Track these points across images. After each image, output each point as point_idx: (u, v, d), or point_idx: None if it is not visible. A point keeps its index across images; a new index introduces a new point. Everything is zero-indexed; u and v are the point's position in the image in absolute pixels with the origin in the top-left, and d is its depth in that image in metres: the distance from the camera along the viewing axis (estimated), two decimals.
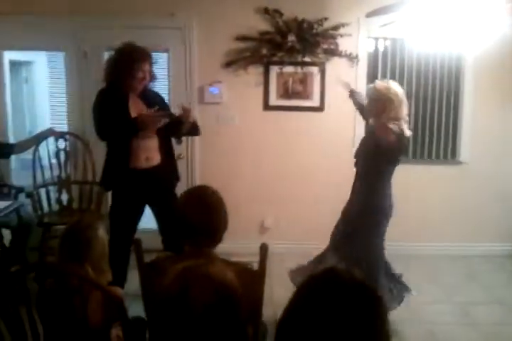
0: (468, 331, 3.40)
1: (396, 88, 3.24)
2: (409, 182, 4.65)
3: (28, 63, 6.35)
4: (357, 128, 4.51)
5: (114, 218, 3.48)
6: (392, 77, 4.61)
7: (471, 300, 3.87)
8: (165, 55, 4.57)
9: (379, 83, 3.31)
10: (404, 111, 3.21)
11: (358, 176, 3.38)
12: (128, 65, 3.29)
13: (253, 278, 2.06)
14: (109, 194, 4.53)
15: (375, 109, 3.26)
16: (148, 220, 4.61)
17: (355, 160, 3.42)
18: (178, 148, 4.58)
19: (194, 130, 3.57)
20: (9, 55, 4.83)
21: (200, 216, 2.03)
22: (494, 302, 3.85)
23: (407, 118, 3.29)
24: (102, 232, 2.35)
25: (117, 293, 2.22)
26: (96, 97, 3.41)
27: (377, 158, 3.20)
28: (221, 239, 2.08)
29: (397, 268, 4.36)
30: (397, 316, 3.21)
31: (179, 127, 3.41)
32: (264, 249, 2.12)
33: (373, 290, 1.21)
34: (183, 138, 3.72)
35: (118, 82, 3.34)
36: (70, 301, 2.02)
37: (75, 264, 2.18)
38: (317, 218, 4.43)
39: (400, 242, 4.64)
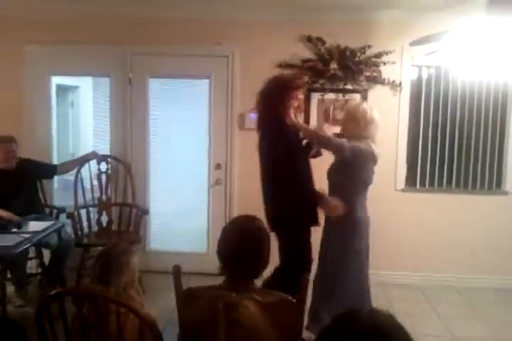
0: None
1: (365, 109, 3.26)
2: (452, 211, 4.58)
3: (74, 88, 6.53)
4: (399, 153, 4.52)
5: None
6: (436, 106, 4.58)
7: None
8: (206, 81, 4.63)
9: (351, 103, 3.52)
10: (372, 130, 3.23)
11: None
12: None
13: (290, 310, 2.00)
14: (150, 217, 4.60)
15: (342, 126, 3.37)
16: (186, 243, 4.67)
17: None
18: (217, 173, 4.63)
19: None
20: (56, 80, 4.98)
21: (242, 246, 1.97)
22: None
23: (376, 138, 3.28)
24: (135, 259, 2.36)
25: (151, 317, 2.20)
26: None
27: (340, 172, 3.28)
28: (262, 272, 2.01)
29: (438, 299, 4.29)
30: None
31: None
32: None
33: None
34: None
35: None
36: (105, 326, 2.01)
37: (102, 287, 2.19)
38: None
39: (437, 273, 4.57)
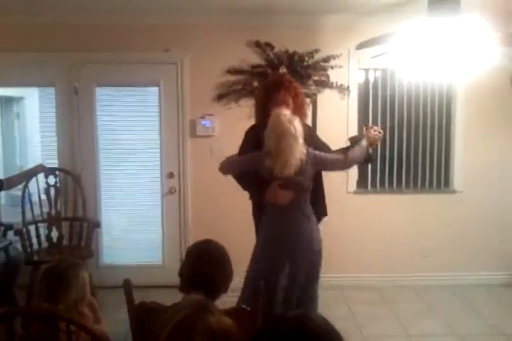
0: None
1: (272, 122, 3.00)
2: (403, 211, 4.65)
3: (19, 99, 6.34)
4: None
5: None
6: (383, 108, 4.65)
7: (471, 331, 3.77)
8: (156, 89, 4.56)
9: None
10: (269, 144, 2.94)
11: None
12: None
13: (248, 319, 1.99)
14: (102, 230, 4.48)
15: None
16: (140, 255, 4.56)
17: None
18: (170, 182, 4.55)
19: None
20: (0, 91, 4.81)
21: (203, 270, 1.99)
22: (495, 333, 3.75)
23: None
24: (85, 274, 2.30)
25: (104, 334, 2.14)
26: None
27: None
28: (225, 291, 2.03)
29: (394, 299, 4.34)
30: None
31: None
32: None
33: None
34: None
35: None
36: None
37: (50, 305, 2.13)
38: None
39: (393, 274, 4.61)
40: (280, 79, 3.31)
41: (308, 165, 2.98)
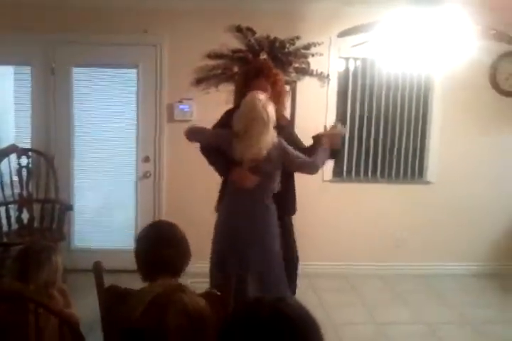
0: None
1: (245, 104, 2.98)
2: (376, 201, 4.70)
3: None
4: None
5: None
6: (362, 97, 4.66)
7: (439, 320, 3.83)
8: (134, 71, 4.48)
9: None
10: (238, 126, 2.94)
11: None
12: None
13: (220, 302, 1.98)
14: (74, 213, 4.43)
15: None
16: (113, 239, 4.52)
17: None
18: (146, 166, 4.51)
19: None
20: None
21: (159, 252, 1.93)
22: (462, 322, 3.82)
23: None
24: (57, 257, 2.31)
25: (73, 317, 2.12)
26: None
27: None
28: (182, 271, 1.99)
29: (363, 288, 4.39)
30: (366, 336, 3.15)
31: None
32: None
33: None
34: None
35: None
36: (23, 326, 1.91)
37: (20, 284, 2.14)
38: None
39: (365, 262, 4.66)
40: (261, 65, 3.29)
41: (274, 155, 2.93)
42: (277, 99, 3.13)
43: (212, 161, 3.19)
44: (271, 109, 2.89)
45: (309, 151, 3.09)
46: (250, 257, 3.02)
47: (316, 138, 3.17)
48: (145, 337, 1.39)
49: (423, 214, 4.72)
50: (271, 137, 2.90)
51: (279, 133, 2.98)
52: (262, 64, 3.38)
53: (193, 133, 3.14)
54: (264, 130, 2.86)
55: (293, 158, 2.99)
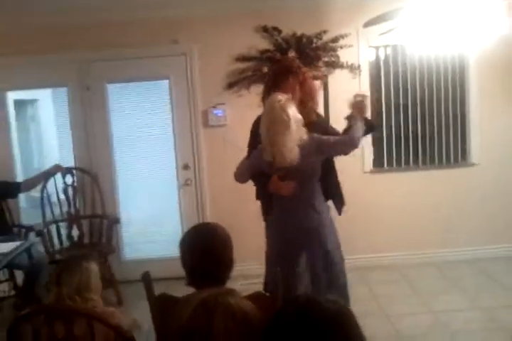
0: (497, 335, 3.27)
1: (265, 109, 2.91)
2: (419, 188, 4.60)
3: (33, 101, 6.39)
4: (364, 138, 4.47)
5: None
6: (396, 85, 4.57)
7: (496, 304, 3.71)
8: (166, 81, 4.54)
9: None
10: (262, 133, 2.87)
11: None
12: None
13: (268, 303, 1.96)
14: (122, 226, 4.50)
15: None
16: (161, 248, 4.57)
17: None
18: (186, 174, 4.54)
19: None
20: (14, 95, 4.85)
21: (203, 261, 1.92)
22: None
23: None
24: (91, 264, 2.38)
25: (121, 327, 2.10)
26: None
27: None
28: (226, 279, 1.96)
29: (415, 277, 4.33)
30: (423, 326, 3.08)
31: None
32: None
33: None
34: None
35: None
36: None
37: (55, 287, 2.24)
38: None
39: (414, 251, 4.62)
40: (288, 65, 3.24)
41: (310, 152, 2.82)
42: (308, 96, 3.08)
43: (255, 184, 3.16)
44: (291, 108, 2.79)
45: (345, 132, 3.00)
46: (306, 257, 2.97)
47: (348, 117, 3.09)
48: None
49: (469, 197, 4.61)
50: (296, 137, 2.79)
51: (311, 130, 2.92)
52: (289, 63, 3.33)
53: (239, 176, 3.08)
54: (286, 131, 2.74)
55: (329, 143, 2.88)
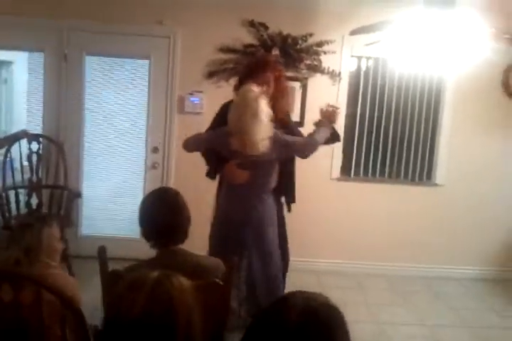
0: None
1: (238, 97, 3.03)
2: (383, 201, 4.69)
3: (7, 63, 6.24)
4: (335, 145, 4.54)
5: None
6: (373, 97, 4.66)
7: (440, 323, 3.84)
8: (146, 62, 4.52)
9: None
10: (230, 119, 2.97)
11: None
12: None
13: (218, 292, 2.01)
14: (82, 201, 4.48)
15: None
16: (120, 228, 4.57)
17: None
18: (154, 157, 4.54)
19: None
20: None
21: (163, 216, 2.10)
22: (463, 326, 3.82)
23: None
24: (46, 228, 2.28)
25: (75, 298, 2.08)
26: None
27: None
28: (187, 235, 2.15)
29: (368, 287, 4.41)
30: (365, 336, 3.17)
31: None
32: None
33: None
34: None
35: None
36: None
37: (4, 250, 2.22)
38: None
39: (370, 262, 4.68)
40: (267, 58, 3.31)
41: (273, 148, 2.90)
42: (281, 94, 3.15)
43: (206, 161, 3.26)
44: (263, 101, 2.86)
45: (310, 136, 3.11)
46: (248, 242, 3.06)
47: (317, 123, 3.19)
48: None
49: (430, 215, 4.71)
50: (265, 129, 2.86)
51: (278, 128, 2.99)
52: (269, 57, 3.39)
53: (190, 144, 3.17)
54: (255, 121, 2.82)
55: (292, 142, 3.01)
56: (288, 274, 3.41)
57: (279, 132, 2.97)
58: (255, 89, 2.90)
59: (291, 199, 3.33)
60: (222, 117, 3.11)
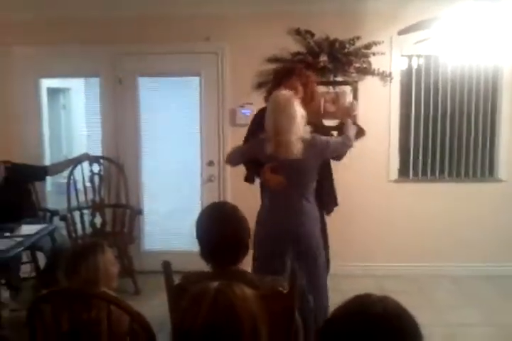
0: None
1: (270, 101, 3.01)
2: (445, 201, 4.57)
3: (65, 90, 6.52)
4: (391, 144, 4.51)
5: None
6: (426, 95, 4.55)
7: (509, 321, 3.68)
8: (197, 78, 4.60)
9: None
10: (267, 123, 2.92)
11: None
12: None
13: (282, 302, 1.98)
14: (144, 217, 4.58)
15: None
16: (181, 242, 4.63)
17: None
18: (210, 170, 4.60)
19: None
20: (47, 83, 4.95)
21: (219, 232, 2.02)
22: None
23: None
24: (104, 256, 2.21)
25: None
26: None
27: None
28: (245, 253, 2.05)
29: (431, 289, 4.29)
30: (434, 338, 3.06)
31: None
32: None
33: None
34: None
35: None
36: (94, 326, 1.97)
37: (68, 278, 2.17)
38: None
39: (433, 262, 4.55)
40: (293, 66, 3.36)
41: (310, 151, 2.85)
42: (310, 99, 3.16)
43: (246, 167, 3.25)
44: (296, 102, 2.85)
45: (338, 130, 3.15)
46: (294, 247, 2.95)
47: (340, 123, 3.20)
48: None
49: (494, 212, 4.55)
50: (301, 130, 2.84)
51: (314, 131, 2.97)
52: (293, 65, 3.42)
53: (232, 159, 3.19)
54: (292, 122, 2.79)
55: (327, 141, 2.96)
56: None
57: (317, 135, 2.95)
58: (285, 92, 2.92)
59: (334, 202, 3.30)
60: (256, 125, 3.15)
